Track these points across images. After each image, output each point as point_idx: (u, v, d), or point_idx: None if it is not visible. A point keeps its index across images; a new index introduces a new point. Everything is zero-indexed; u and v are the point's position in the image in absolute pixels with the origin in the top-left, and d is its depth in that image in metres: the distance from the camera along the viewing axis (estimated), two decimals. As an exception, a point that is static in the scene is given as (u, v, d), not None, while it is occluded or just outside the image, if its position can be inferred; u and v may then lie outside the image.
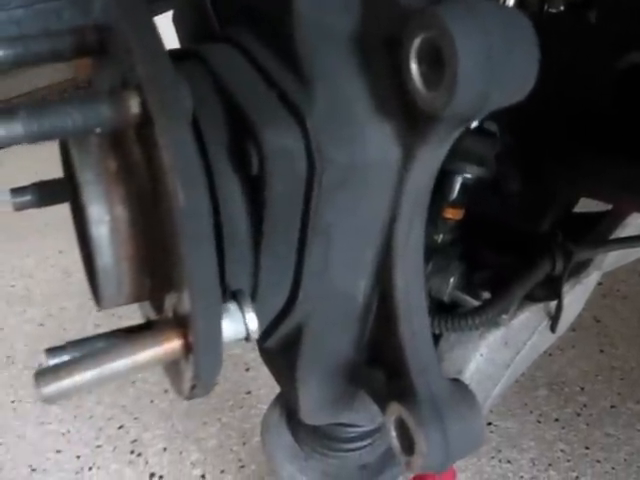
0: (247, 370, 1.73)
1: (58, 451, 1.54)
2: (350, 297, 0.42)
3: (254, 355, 1.73)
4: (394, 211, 0.38)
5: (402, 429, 0.40)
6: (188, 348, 0.35)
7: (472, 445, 0.39)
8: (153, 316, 0.42)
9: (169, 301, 0.37)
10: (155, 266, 0.38)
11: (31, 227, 2.34)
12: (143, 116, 0.33)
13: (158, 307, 0.40)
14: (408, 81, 0.32)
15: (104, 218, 0.36)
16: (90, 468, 1.51)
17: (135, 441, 1.57)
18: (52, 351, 0.41)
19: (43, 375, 0.33)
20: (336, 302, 0.42)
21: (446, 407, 0.39)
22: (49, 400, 0.33)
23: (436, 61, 0.31)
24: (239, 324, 0.36)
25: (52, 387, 0.33)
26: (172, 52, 0.41)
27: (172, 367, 0.40)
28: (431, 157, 0.36)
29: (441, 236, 0.62)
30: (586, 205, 0.71)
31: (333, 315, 0.43)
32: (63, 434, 1.58)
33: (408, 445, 0.40)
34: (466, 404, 0.40)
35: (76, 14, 0.58)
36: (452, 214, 0.62)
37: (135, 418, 1.62)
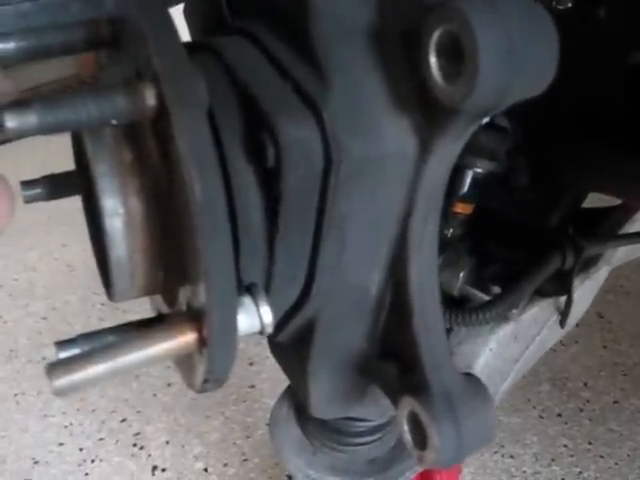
0: (251, 364, 1.73)
1: (61, 444, 1.55)
2: (363, 291, 0.42)
3: (258, 349, 1.73)
4: (409, 204, 0.38)
5: (414, 423, 0.40)
6: (202, 342, 0.35)
7: (484, 439, 0.39)
8: (165, 310, 0.42)
9: (183, 294, 0.37)
10: (169, 259, 0.38)
11: (35, 221, 2.33)
12: (159, 108, 0.33)
13: (171, 301, 0.40)
14: (427, 74, 0.32)
15: (118, 210, 0.36)
16: (92, 461, 1.51)
17: (138, 434, 1.58)
18: (62, 344, 0.40)
19: (55, 368, 0.33)
20: (349, 295, 0.42)
21: (459, 401, 0.39)
22: (61, 393, 0.33)
23: (455, 54, 0.30)
24: (254, 317, 0.36)
25: (64, 380, 0.33)
26: (185, 45, 0.41)
27: (184, 361, 0.40)
28: (448, 151, 0.36)
29: (451, 230, 0.62)
30: (595, 200, 0.71)
31: (346, 309, 0.43)
32: (66, 427, 1.58)
33: (420, 439, 0.39)
34: (479, 398, 0.40)
35: (84, 7, 0.58)
36: (462, 208, 0.62)
37: (138, 411, 1.63)
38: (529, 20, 0.30)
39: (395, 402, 0.42)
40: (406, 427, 0.41)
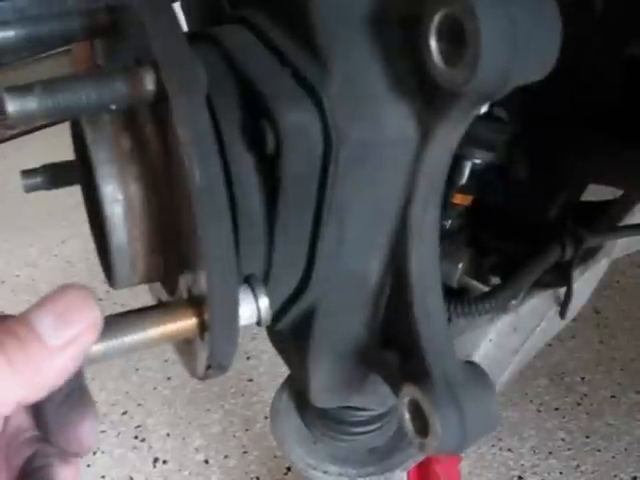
0: (248, 358, 1.74)
1: (61, 437, 1.55)
2: (363, 278, 0.42)
3: (255, 344, 1.74)
4: (410, 191, 0.38)
5: (416, 411, 0.40)
6: (203, 327, 0.35)
7: (488, 427, 0.39)
8: (165, 298, 0.42)
9: (183, 282, 0.37)
10: (169, 246, 0.38)
11: (34, 217, 2.35)
12: (158, 93, 0.33)
13: (171, 288, 0.40)
14: (427, 58, 0.32)
15: (118, 197, 0.36)
16: (94, 453, 1.52)
17: (139, 427, 1.58)
18: None
19: None
20: (349, 283, 0.42)
21: (461, 388, 0.39)
22: None
23: (456, 37, 0.30)
24: (252, 309, 0.36)
25: None
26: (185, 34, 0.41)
27: (186, 348, 0.40)
28: (449, 136, 0.36)
29: (450, 221, 0.62)
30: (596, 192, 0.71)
31: (346, 297, 0.43)
32: (67, 420, 1.58)
33: (422, 427, 0.39)
34: (481, 385, 0.40)
35: (80, 1, 0.58)
36: (461, 200, 0.62)
37: (139, 404, 1.63)
38: (531, 2, 0.30)
39: (396, 390, 0.42)
40: (407, 415, 0.40)
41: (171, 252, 0.38)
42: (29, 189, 0.45)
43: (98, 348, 0.33)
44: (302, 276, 0.41)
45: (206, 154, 0.31)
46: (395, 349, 0.43)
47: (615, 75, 0.61)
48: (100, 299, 1.88)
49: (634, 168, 0.61)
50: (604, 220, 0.69)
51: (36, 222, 2.35)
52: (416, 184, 0.38)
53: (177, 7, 0.54)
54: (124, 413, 1.61)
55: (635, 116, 0.59)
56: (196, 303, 0.35)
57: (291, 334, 0.46)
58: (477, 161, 0.62)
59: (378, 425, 0.61)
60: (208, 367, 0.36)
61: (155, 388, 1.67)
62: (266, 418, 1.55)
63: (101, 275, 0.42)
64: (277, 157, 0.36)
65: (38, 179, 0.44)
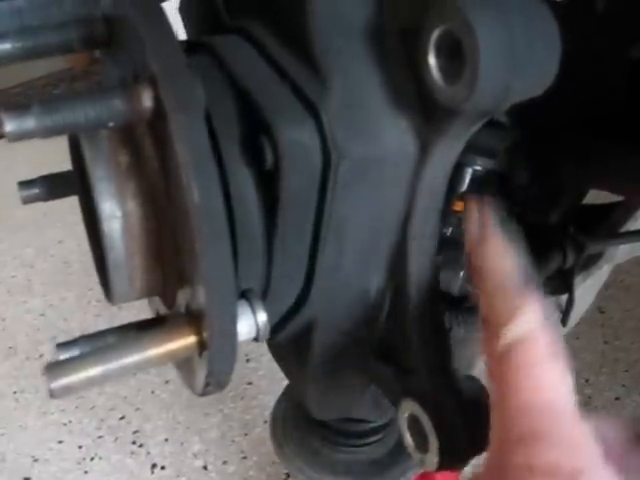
0: (248, 361, 1.73)
1: (60, 441, 1.54)
2: (363, 292, 0.42)
3: (254, 346, 1.73)
4: (409, 206, 0.38)
5: (415, 426, 0.40)
6: (202, 345, 0.35)
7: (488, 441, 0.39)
8: (164, 311, 0.42)
9: (182, 296, 0.37)
10: (167, 261, 0.37)
11: (30, 218, 2.34)
12: (156, 109, 0.32)
13: (169, 302, 0.40)
14: (426, 75, 0.32)
15: (116, 214, 0.36)
16: (92, 458, 1.51)
17: (137, 432, 1.57)
18: (63, 345, 0.40)
19: (53, 369, 0.33)
20: (348, 297, 0.42)
21: (460, 404, 0.39)
22: (58, 395, 0.33)
23: (456, 54, 0.30)
24: (250, 324, 0.36)
25: (62, 382, 0.33)
26: (182, 44, 0.41)
27: (185, 364, 0.40)
28: (448, 151, 0.36)
29: (450, 229, 0.62)
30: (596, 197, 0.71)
31: (345, 310, 0.42)
32: (65, 424, 1.57)
33: (422, 442, 0.39)
34: (480, 400, 0.40)
35: (78, 4, 0.57)
36: (461, 207, 0.61)
37: (137, 409, 1.62)
38: (531, 18, 0.30)
39: (396, 405, 0.42)
40: (407, 430, 0.40)
41: (169, 268, 0.38)
42: (26, 200, 0.45)
43: (97, 371, 0.33)
44: (301, 291, 0.41)
45: (205, 172, 0.31)
46: (394, 363, 0.43)
47: (618, 79, 0.60)
48: (98, 300, 1.87)
49: (637, 174, 0.61)
50: (606, 226, 0.68)
51: (32, 222, 2.34)
52: (415, 199, 0.37)
53: (172, 10, 0.54)
54: (122, 418, 1.60)
55: (638, 121, 0.58)
56: (194, 318, 0.35)
57: (290, 346, 0.46)
58: (478, 168, 0.61)
59: (379, 437, 0.61)
60: (207, 384, 0.36)
61: (153, 392, 1.66)
62: (265, 422, 1.54)
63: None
64: (276, 173, 0.36)
65: (36, 190, 0.44)
